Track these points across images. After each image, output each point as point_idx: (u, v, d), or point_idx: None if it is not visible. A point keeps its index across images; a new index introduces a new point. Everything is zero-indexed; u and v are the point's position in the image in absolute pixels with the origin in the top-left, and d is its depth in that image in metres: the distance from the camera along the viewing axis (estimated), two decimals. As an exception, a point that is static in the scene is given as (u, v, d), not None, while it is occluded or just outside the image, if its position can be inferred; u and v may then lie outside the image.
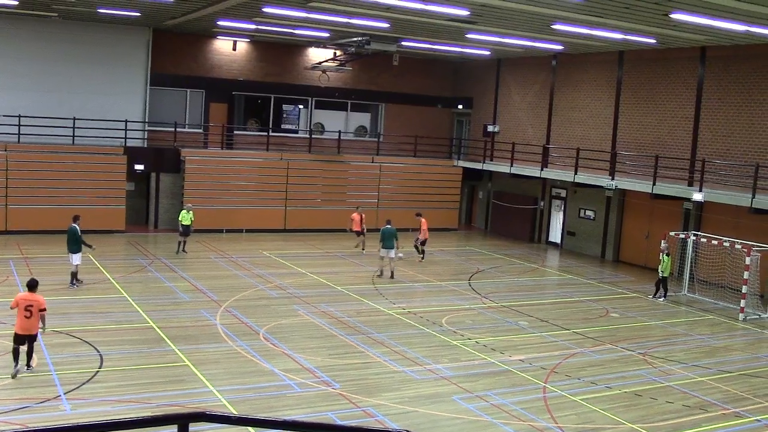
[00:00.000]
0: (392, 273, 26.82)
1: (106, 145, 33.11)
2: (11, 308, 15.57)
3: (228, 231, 34.07)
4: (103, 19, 32.18)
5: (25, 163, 31.38)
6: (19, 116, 31.67)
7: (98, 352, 16.96)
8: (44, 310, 15.44)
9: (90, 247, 23.42)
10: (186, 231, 29.24)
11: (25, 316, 15.16)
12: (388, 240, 26.58)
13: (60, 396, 14.36)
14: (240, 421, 4.12)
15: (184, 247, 29.17)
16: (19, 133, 31.70)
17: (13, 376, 15.07)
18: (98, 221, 31.51)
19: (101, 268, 25.65)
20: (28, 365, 15.49)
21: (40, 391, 14.57)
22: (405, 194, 37.79)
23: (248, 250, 30.68)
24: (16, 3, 28.57)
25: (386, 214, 35.66)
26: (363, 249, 31.06)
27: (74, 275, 23.02)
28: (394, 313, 21.87)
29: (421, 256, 30.29)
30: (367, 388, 15.63)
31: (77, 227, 23.12)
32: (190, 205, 30.39)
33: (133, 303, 21.40)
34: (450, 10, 23.92)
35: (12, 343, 15.28)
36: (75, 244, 22.78)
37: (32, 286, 15.68)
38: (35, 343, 15.60)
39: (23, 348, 15.33)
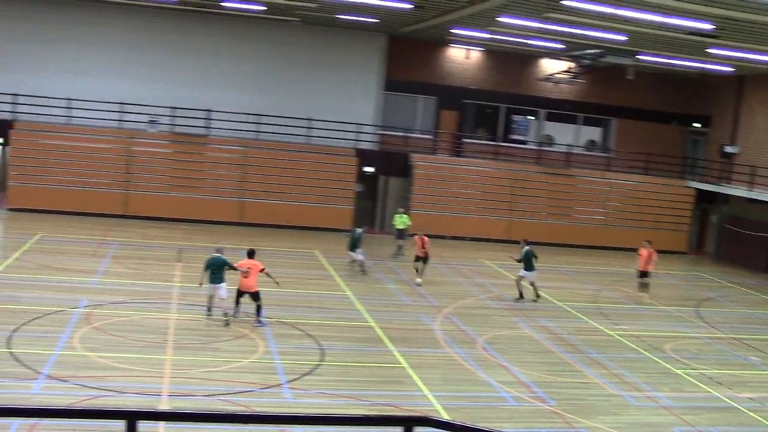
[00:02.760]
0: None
1: (338, 146, 34.28)
2: (238, 268, 18.70)
3: (451, 238, 34.19)
4: (341, 24, 33.39)
5: (262, 159, 33.17)
6: (258, 115, 33.51)
7: (320, 346, 17.53)
8: (263, 269, 18.83)
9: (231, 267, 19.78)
10: (400, 235, 29.62)
11: (244, 276, 18.60)
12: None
13: (282, 384, 14.99)
14: (463, 430, 4.06)
15: (401, 251, 29.48)
16: (257, 131, 33.52)
17: (226, 323, 18.24)
18: (326, 220, 32.85)
19: (327, 265, 26.55)
20: (259, 321, 18.61)
21: (265, 377, 15.28)
22: (632, 213, 36.50)
23: (470, 258, 30.72)
24: (264, 8, 30.21)
25: (613, 232, 34.74)
26: (418, 277, 25.35)
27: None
28: (615, 335, 21.15)
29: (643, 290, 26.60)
30: (583, 409, 15.19)
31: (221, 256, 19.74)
32: (401, 209, 30.84)
33: (355, 302, 21.98)
34: (692, 23, 22.88)
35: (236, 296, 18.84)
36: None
37: (251, 254, 19.30)
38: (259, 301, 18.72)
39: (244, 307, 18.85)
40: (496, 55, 37.87)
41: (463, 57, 37.85)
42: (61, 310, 18.49)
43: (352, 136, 34.65)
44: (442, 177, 34.99)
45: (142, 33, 33.87)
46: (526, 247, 24.16)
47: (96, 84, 33.37)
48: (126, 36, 33.80)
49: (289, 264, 25.67)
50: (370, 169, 34.64)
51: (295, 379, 15.28)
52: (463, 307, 22.67)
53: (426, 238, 25.71)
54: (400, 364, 16.90)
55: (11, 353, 15.37)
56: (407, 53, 36.80)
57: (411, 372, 16.37)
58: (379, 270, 26.92)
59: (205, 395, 14.07)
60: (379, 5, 26.84)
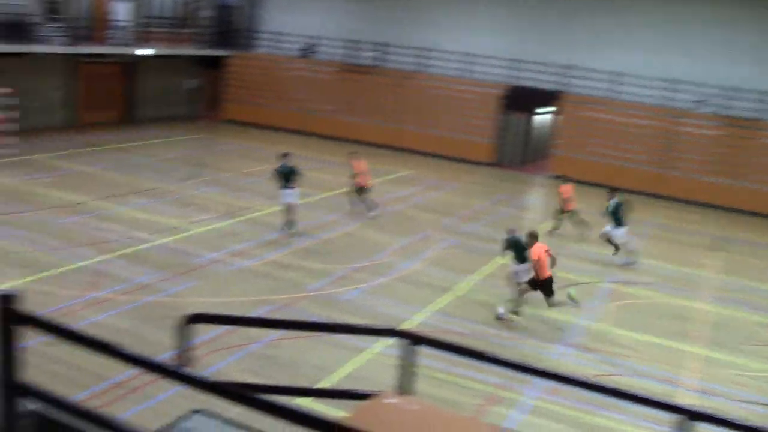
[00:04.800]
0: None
1: None
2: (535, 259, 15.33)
3: None
4: None
5: None
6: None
7: None
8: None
9: None
10: None
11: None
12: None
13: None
14: None
15: None
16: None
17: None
18: None
19: None
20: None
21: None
22: None
23: None
24: None
25: None
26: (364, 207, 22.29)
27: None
28: None
29: None
30: None
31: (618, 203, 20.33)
32: None
33: None
34: None
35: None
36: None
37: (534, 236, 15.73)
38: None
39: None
40: None
41: None
42: (589, 282, 18.62)
43: None
44: None
45: (699, 8, 32.41)
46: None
47: (643, 59, 32.91)
48: (678, 11, 32.58)
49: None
50: None
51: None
52: None
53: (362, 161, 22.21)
54: None
55: (537, 315, 15.83)
56: None
57: None
58: None
59: (731, 399, 13.01)
60: None
